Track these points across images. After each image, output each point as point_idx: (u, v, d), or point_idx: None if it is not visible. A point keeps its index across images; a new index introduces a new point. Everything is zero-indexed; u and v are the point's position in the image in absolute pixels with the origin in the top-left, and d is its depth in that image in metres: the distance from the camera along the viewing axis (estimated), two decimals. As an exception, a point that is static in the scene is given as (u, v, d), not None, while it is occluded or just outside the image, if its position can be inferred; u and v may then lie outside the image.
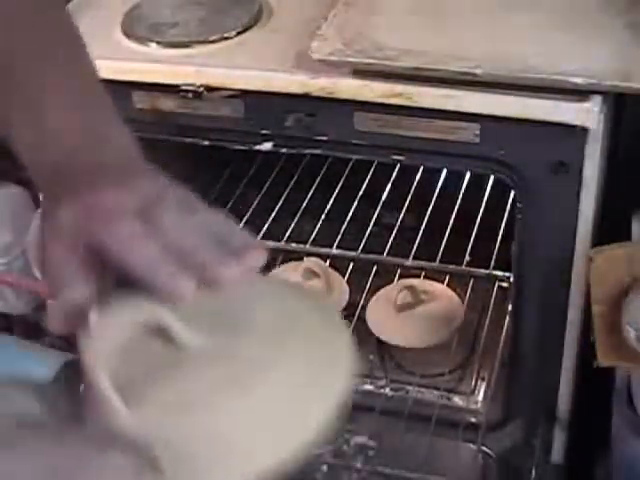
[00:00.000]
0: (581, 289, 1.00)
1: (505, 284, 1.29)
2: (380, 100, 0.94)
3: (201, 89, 0.99)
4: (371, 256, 1.35)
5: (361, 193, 1.41)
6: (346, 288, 1.31)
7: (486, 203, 1.35)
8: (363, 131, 0.98)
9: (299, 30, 1.02)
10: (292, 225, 1.39)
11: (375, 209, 1.40)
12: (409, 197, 1.40)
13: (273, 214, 1.39)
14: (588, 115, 0.89)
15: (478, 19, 0.99)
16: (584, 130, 0.90)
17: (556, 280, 1.01)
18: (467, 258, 1.32)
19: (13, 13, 0.59)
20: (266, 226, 1.36)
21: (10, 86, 0.57)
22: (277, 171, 1.46)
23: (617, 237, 0.96)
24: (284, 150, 1.03)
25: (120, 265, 0.48)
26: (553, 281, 1.02)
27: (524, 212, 0.99)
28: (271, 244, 1.33)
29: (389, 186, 1.41)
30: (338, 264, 1.35)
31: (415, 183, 1.40)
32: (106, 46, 1.04)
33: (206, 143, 1.06)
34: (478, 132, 0.94)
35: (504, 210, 1.28)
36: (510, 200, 1.25)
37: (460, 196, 1.37)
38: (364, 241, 1.35)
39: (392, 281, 1.32)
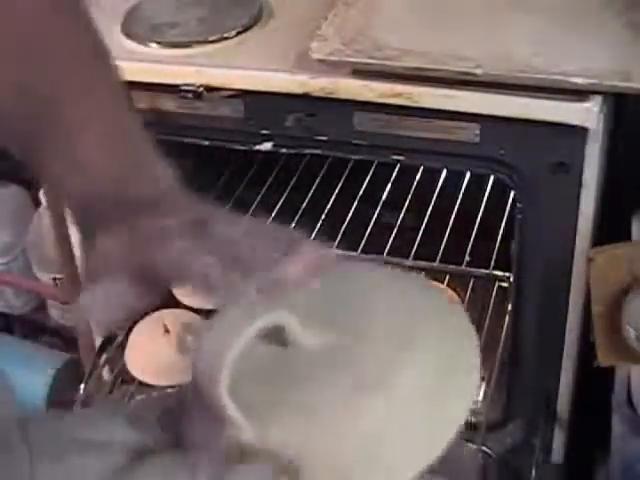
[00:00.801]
0: (581, 289, 1.00)
1: (505, 284, 1.29)
2: (380, 100, 0.94)
3: (201, 89, 0.99)
4: (371, 256, 1.35)
5: (361, 193, 1.41)
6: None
7: (486, 203, 1.34)
8: (363, 131, 0.98)
9: (299, 30, 1.02)
10: (292, 225, 1.39)
11: (375, 209, 1.40)
12: (409, 197, 1.39)
13: (273, 214, 1.39)
14: (588, 115, 0.89)
15: (478, 19, 0.99)
16: (584, 130, 0.90)
17: (556, 280, 1.01)
18: (467, 258, 1.32)
19: (46, 43, 0.57)
20: (266, 226, 1.35)
21: (45, 118, 0.55)
22: (277, 171, 1.46)
23: (617, 237, 0.96)
24: (284, 150, 1.03)
25: (177, 283, 0.47)
26: (553, 281, 1.02)
27: (524, 212, 0.99)
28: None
29: (389, 186, 1.41)
30: (338, 264, 1.34)
31: (415, 183, 1.39)
32: (106, 46, 1.04)
33: (206, 143, 1.06)
34: (478, 132, 0.93)
35: (504, 210, 1.28)
36: (510, 200, 1.25)
37: (460, 196, 1.37)
38: (364, 241, 1.35)
39: (392, 281, 1.32)
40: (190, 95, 1.00)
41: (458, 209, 1.35)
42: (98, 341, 1.21)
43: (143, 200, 0.52)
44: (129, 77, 1.01)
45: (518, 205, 0.99)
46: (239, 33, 1.04)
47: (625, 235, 0.97)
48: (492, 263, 1.30)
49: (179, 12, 1.10)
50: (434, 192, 1.38)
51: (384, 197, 1.41)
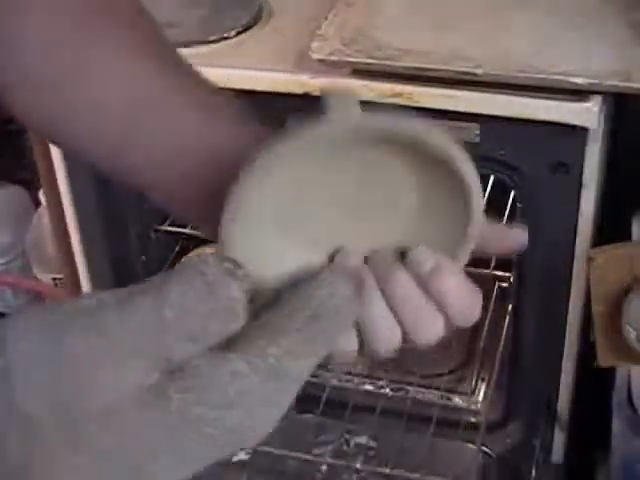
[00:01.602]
0: (581, 289, 1.00)
1: (505, 284, 1.29)
2: (380, 100, 0.94)
3: (201, 89, 0.99)
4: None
5: (361, 193, 1.41)
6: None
7: (486, 203, 1.34)
8: (363, 131, 0.98)
9: (299, 30, 1.02)
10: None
11: (375, 209, 1.40)
12: (409, 197, 1.39)
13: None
14: (588, 115, 0.89)
15: (478, 19, 0.99)
16: (584, 130, 0.90)
17: (556, 280, 1.01)
18: (467, 258, 1.32)
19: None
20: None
21: (141, 134, 0.53)
22: (277, 171, 1.46)
23: (617, 237, 0.96)
24: (284, 150, 1.03)
25: None
26: (553, 281, 1.02)
27: (524, 212, 0.99)
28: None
29: (389, 186, 1.41)
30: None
31: (415, 183, 1.39)
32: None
33: (206, 143, 1.06)
34: (478, 132, 0.93)
35: (504, 210, 1.28)
36: (510, 200, 1.25)
37: (460, 196, 1.36)
38: (364, 241, 1.35)
39: (392, 281, 1.32)
40: (190, 95, 1.00)
41: (458, 209, 1.35)
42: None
43: None
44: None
45: (518, 205, 0.99)
46: (239, 33, 1.04)
47: (625, 235, 0.97)
48: (492, 263, 1.30)
49: (179, 12, 1.10)
50: (434, 192, 1.38)
51: (384, 197, 1.41)
